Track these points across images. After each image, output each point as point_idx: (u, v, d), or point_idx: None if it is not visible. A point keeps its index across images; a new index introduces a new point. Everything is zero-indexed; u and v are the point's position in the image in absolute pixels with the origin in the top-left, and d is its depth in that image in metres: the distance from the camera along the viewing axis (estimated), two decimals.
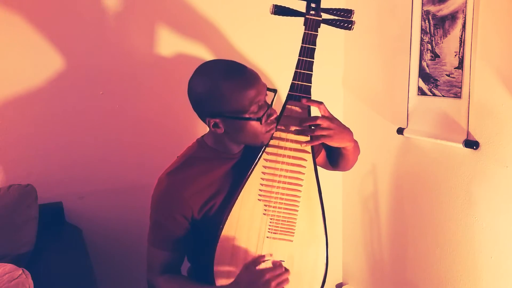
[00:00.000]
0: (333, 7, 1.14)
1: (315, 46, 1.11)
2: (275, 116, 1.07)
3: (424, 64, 1.52)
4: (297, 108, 1.11)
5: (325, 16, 1.14)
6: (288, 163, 1.10)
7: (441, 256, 1.54)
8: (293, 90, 1.10)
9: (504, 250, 1.32)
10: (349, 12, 1.13)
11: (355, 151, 1.24)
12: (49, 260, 1.32)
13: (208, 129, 1.11)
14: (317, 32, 1.12)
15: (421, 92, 1.54)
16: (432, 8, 1.46)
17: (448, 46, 1.41)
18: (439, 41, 1.45)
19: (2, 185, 1.40)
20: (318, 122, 1.06)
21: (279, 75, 1.80)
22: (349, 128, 1.14)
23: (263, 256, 1.08)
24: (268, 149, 1.10)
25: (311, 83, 1.10)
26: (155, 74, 1.66)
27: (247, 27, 1.77)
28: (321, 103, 1.09)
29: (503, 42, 1.25)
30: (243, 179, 1.10)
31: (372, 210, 1.89)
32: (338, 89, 2.00)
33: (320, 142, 1.10)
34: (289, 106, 1.11)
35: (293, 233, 1.11)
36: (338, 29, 1.17)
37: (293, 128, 1.11)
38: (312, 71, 1.10)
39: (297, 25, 1.17)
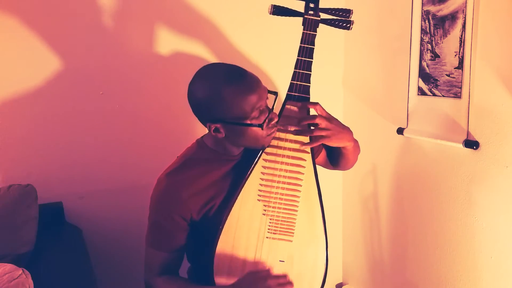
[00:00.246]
0: (332, 7, 1.14)
1: (314, 46, 1.11)
2: (276, 120, 1.07)
3: (424, 64, 1.52)
4: (296, 108, 1.11)
5: (323, 16, 1.14)
6: (287, 163, 1.10)
7: (441, 256, 1.54)
8: (292, 90, 1.10)
9: (504, 250, 1.32)
10: (348, 12, 1.13)
11: (355, 151, 1.23)
12: (49, 260, 1.32)
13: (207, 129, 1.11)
14: (316, 32, 1.12)
15: (421, 92, 1.53)
16: (432, 8, 1.46)
17: (448, 46, 1.41)
18: (439, 41, 1.44)
19: (2, 185, 1.40)
20: (317, 121, 1.06)
21: (278, 75, 1.80)
22: (348, 128, 1.14)
23: (269, 270, 1.09)
24: (267, 149, 1.10)
25: (310, 83, 1.10)
26: (155, 74, 1.66)
27: (246, 27, 1.77)
28: (316, 104, 1.09)
29: (503, 42, 1.25)
30: (242, 179, 1.10)
31: (372, 210, 1.89)
32: (338, 89, 2.00)
33: (319, 143, 1.09)
34: (288, 106, 1.11)
35: (293, 233, 1.11)
36: (338, 29, 1.17)
37: (292, 128, 1.11)
38: (311, 71, 1.10)
39: (296, 25, 1.16)
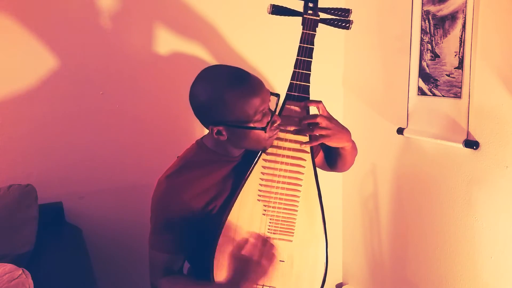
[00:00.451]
0: (331, 7, 1.14)
1: (313, 45, 1.11)
2: (278, 122, 1.07)
3: (424, 64, 1.51)
4: (296, 108, 1.11)
5: (323, 15, 1.13)
6: (287, 163, 1.10)
7: (441, 256, 1.54)
8: (291, 90, 1.10)
9: (504, 250, 1.32)
10: (347, 11, 1.13)
11: (353, 152, 1.23)
12: (49, 260, 1.32)
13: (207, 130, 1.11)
14: (315, 31, 1.11)
15: (421, 92, 1.53)
16: (432, 8, 1.46)
17: (448, 46, 1.41)
18: (439, 41, 1.44)
19: (2, 185, 1.40)
20: (318, 120, 1.06)
21: (278, 75, 1.80)
22: (347, 128, 1.14)
23: (246, 239, 1.08)
24: (267, 150, 1.10)
25: (309, 83, 1.10)
26: (155, 74, 1.66)
27: (245, 27, 1.77)
28: (319, 102, 1.09)
29: (503, 42, 1.24)
30: (243, 179, 1.09)
31: (372, 210, 1.89)
32: (338, 89, 2.00)
33: (319, 142, 1.09)
34: (287, 106, 1.11)
35: (293, 233, 1.11)
36: (338, 29, 1.17)
37: (292, 128, 1.10)
38: (310, 71, 1.10)
39: (295, 24, 1.16)
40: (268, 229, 1.10)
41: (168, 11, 1.65)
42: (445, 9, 1.41)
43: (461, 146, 1.37)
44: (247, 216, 1.09)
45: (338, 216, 2.11)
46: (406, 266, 1.73)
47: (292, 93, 1.10)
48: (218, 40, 1.73)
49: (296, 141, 1.11)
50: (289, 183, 1.10)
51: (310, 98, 1.11)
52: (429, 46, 1.48)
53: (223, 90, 0.99)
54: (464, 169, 1.42)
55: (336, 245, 2.11)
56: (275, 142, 1.10)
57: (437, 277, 1.57)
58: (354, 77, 1.94)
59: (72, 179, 1.59)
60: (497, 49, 1.27)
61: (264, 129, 1.02)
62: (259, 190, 1.10)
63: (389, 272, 1.84)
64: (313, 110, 1.12)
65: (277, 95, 1.08)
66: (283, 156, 1.10)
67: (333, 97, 1.99)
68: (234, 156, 1.12)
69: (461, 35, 1.35)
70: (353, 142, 1.20)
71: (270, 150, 1.10)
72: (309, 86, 1.10)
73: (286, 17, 1.15)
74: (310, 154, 1.11)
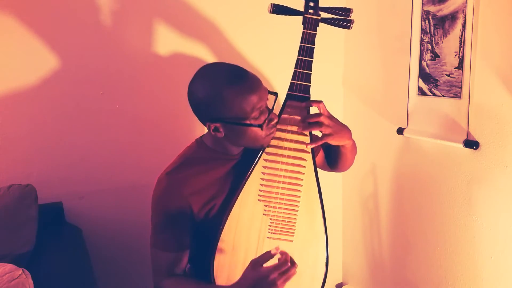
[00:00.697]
0: (332, 6, 1.14)
1: (314, 45, 1.11)
2: (276, 121, 1.07)
3: (424, 64, 1.52)
4: (296, 108, 1.11)
5: (324, 15, 1.13)
6: (288, 163, 1.10)
7: (441, 256, 1.54)
8: (292, 89, 1.10)
9: (504, 250, 1.32)
10: (348, 10, 1.13)
11: (353, 150, 1.24)
12: (49, 260, 1.32)
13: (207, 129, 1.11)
14: (316, 31, 1.12)
15: (421, 92, 1.54)
16: (432, 8, 1.46)
17: (448, 46, 1.41)
18: (439, 41, 1.45)
19: (2, 185, 1.40)
20: (321, 119, 1.06)
21: (277, 75, 1.80)
22: (347, 126, 1.14)
23: (269, 252, 1.07)
24: (267, 149, 1.10)
25: (310, 83, 1.10)
26: (155, 74, 1.66)
27: (246, 27, 1.77)
28: (320, 101, 1.09)
29: (503, 42, 1.25)
30: (243, 179, 1.10)
31: (372, 210, 1.89)
32: (338, 89, 2.00)
33: (323, 141, 1.09)
34: (288, 106, 1.11)
35: (293, 233, 1.11)
36: (338, 28, 1.17)
37: (293, 128, 1.10)
38: (311, 71, 1.10)
39: (296, 24, 1.16)
40: (269, 229, 1.10)
41: (169, 11, 1.65)
42: (445, 9, 1.41)
43: (461, 146, 1.37)
44: (247, 216, 1.09)
45: (338, 216, 2.11)
46: (406, 266, 1.73)
47: (293, 93, 1.10)
48: (219, 40, 1.73)
49: (297, 141, 1.11)
50: (289, 183, 1.10)
51: (311, 98, 1.11)
52: (429, 46, 1.49)
53: (221, 87, 1.00)
54: (464, 169, 1.42)
55: (336, 245, 2.11)
56: (276, 142, 1.10)
57: (437, 277, 1.57)
58: (354, 77, 1.94)
59: (72, 179, 1.59)
60: (497, 49, 1.27)
61: (260, 126, 1.02)
62: (259, 190, 1.10)
63: (389, 272, 1.84)
64: (313, 110, 1.12)
65: (275, 94, 1.08)
66: (284, 156, 1.10)
67: (333, 97, 1.99)
68: (233, 154, 1.13)
69: (461, 35, 1.35)
70: (353, 141, 1.20)
71: (270, 150, 1.10)
72: (310, 85, 1.10)
73: (287, 16, 1.15)
74: (310, 154, 1.11)
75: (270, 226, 1.10)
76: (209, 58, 1.71)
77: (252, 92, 1.01)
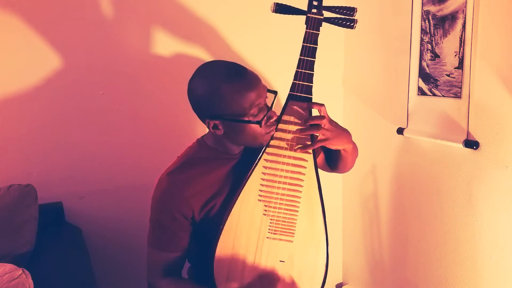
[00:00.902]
0: (336, 5, 1.13)
1: (317, 45, 1.10)
2: (274, 118, 1.07)
3: (424, 64, 1.52)
4: (298, 108, 1.10)
5: (327, 14, 1.13)
6: (288, 164, 1.10)
7: (441, 256, 1.54)
8: (294, 90, 1.10)
9: (504, 250, 1.32)
10: (352, 10, 1.12)
11: (353, 153, 1.24)
12: (49, 260, 1.32)
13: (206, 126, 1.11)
14: (319, 31, 1.11)
15: (421, 92, 1.54)
16: (432, 8, 1.46)
17: (448, 46, 1.41)
18: (439, 41, 1.45)
19: (2, 185, 1.40)
20: (323, 122, 1.06)
21: (278, 75, 1.80)
22: (347, 130, 1.14)
23: (277, 274, 1.08)
24: (268, 150, 1.10)
25: (312, 83, 1.10)
26: (155, 74, 1.66)
27: (247, 26, 1.77)
28: (322, 105, 1.09)
29: (503, 42, 1.25)
30: (243, 179, 1.10)
31: (372, 210, 1.89)
32: (338, 89, 2.00)
33: (321, 144, 1.09)
34: (290, 106, 1.11)
35: (293, 233, 1.11)
36: (339, 28, 1.16)
37: (294, 128, 1.10)
38: (313, 71, 1.10)
39: (297, 23, 1.16)
40: (269, 229, 1.10)
41: (169, 11, 1.65)
42: (445, 9, 1.41)
43: (461, 146, 1.37)
44: (247, 216, 1.09)
45: (338, 216, 2.11)
46: (406, 266, 1.73)
47: (295, 93, 1.10)
48: (220, 40, 1.73)
49: (297, 142, 1.11)
50: (290, 184, 1.10)
51: (312, 99, 1.11)
52: (429, 46, 1.49)
53: (220, 84, 1.00)
54: (464, 169, 1.42)
55: (336, 245, 2.11)
56: (277, 142, 1.10)
57: (437, 277, 1.57)
58: (354, 77, 1.94)
59: (72, 179, 1.59)
60: (497, 49, 1.27)
61: (259, 123, 1.02)
62: (260, 190, 1.10)
63: (389, 272, 1.84)
64: (314, 112, 1.12)
65: (275, 92, 1.08)
66: (285, 156, 1.10)
67: (333, 97, 1.99)
68: (234, 153, 1.13)
69: (461, 35, 1.36)
70: (354, 144, 1.20)
71: (271, 150, 1.10)
72: (311, 86, 1.10)
73: (288, 16, 1.15)
74: (311, 154, 1.11)
75: (270, 226, 1.10)
76: (210, 58, 1.71)
77: (250, 88, 1.01)
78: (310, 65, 1.09)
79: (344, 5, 1.13)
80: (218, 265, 1.09)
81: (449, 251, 1.51)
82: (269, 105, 1.07)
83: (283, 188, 1.10)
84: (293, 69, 1.10)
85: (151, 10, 1.62)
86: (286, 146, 1.10)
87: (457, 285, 1.49)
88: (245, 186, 1.09)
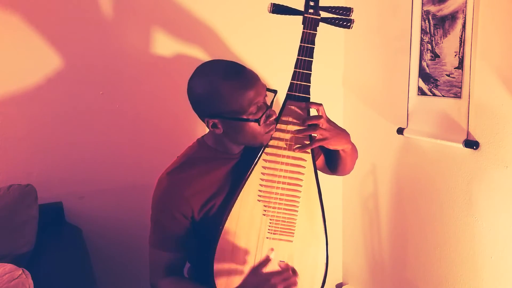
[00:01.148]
0: (332, 5, 1.13)
1: (314, 45, 1.10)
2: (274, 117, 1.07)
3: (424, 64, 1.52)
4: (296, 108, 1.10)
5: (324, 14, 1.13)
6: (287, 164, 1.10)
7: (441, 256, 1.54)
8: (292, 90, 1.10)
9: (504, 250, 1.32)
10: (348, 10, 1.13)
11: (352, 154, 1.24)
12: (49, 260, 1.32)
13: (208, 129, 1.11)
14: (316, 31, 1.11)
15: (421, 92, 1.53)
16: (432, 8, 1.46)
17: (448, 46, 1.41)
18: (439, 41, 1.44)
19: (2, 185, 1.40)
20: (321, 122, 1.06)
21: (276, 75, 1.79)
22: (345, 130, 1.14)
23: (267, 257, 1.08)
24: (267, 150, 1.10)
25: (310, 83, 1.10)
26: (155, 74, 1.66)
27: (246, 27, 1.77)
28: (320, 104, 1.09)
29: (503, 42, 1.25)
30: (243, 179, 1.10)
31: (372, 210, 1.89)
32: (338, 89, 2.00)
33: (319, 144, 1.09)
34: (288, 106, 1.11)
35: (293, 233, 1.11)
36: (338, 28, 1.17)
37: (292, 128, 1.10)
38: (311, 71, 1.10)
39: (296, 23, 1.16)
40: (268, 229, 1.10)
41: (169, 12, 1.65)
42: (445, 9, 1.41)
43: (461, 146, 1.37)
44: (247, 216, 1.09)
45: (338, 216, 2.11)
46: (406, 266, 1.73)
47: (293, 93, 1.10)
48: (219, 40, 1.73)
49: (296, 142, 1.11)
50: (289, 184, 1.10)
51: (311, 99, 1.11)
52: (429, 46, 1.48)
53: (218, 82, 1.00)
54: (464, 169, 1.42)
55: (336, 245, 2.11)
56: (276, 142, 1.10)
57: (437, 277, 1.57)
58: (354, 77, 1.94)
59: (72, 179, 1.59)
60: (497, 49, 1.27)
61: (257, 121, 1.02)
62: (259, 191, 1.10)
63: (389, 272, 1.84)
64: (312, 112, 1.12)
65: (274, 91, 1.08)
66: (284, 156, 1.10)
67: (333, 97, 1.99)
68: (234, 153, 1.13)
69: (461, 35, 1.35)
70: (353, 145, 1.20)
71: (270, 150, 1.10)
72: (309, 86, 1.10)
73: (286, 16, 1.15)
74: (310, 154, 1.11)
75: (269, 226, 1.10)
76: (209, 58, 1.71)
77: (248, 87, 1.01)
78: (308, 65, 1.10)
79: (340, 5, 1.13)
80: (218, 265, 1.09)
81: (449, 251, 1.51)
82: (269, 104, 1.07)
83: (282, 188, 1.10)
84: (291, 69, 1.10)
85: (151, 11, 1.62)
86: (285, 146, 1.10)
87: (457, 285, 1.49)
88: (245, 186, 1.09)
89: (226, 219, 1.08)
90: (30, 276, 1.09)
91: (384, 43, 1.74)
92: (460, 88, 1.38)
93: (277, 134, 1.10)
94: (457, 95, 1.39)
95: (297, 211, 1.10)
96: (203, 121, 1.07)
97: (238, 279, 1.09)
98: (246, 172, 1.09)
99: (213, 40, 1.72)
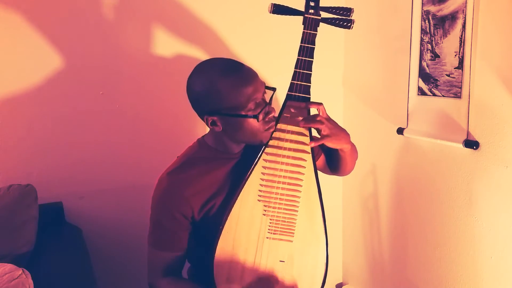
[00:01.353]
0: (333, 6, 1.14)
1: (314, 45, 1.10)
2: (273, 114, 1.07)
3: (424, 64, 1.52)
4: (296, 108, 1.10)
5: (324, 15, 1.13)
6: (287, 164, 1.10)
7: (441, 256, 1.54)
8: (292, 90, 1.10)
9: (504, 250, 1.32)
10: (349, 10, 1.13)
11: (352, 154, 1.24)
12: (49, 260, 1.32)
13: (208, 129, 1.11)
14: (316, 31, 1.11)
15: (421, 92, 1.54)
16: (432, 8, 1.46)
17: (448, 46, 1.41)
18: (439, 41, 1.45)
19: (2, 185, 1.40)
20: (322, 119, 1.06)
21: (276, 75, 1.79)
22: (345, 130, 1.14)
23: (277, 276, 1.08)
24: (267, 150, 1.10)
25: (310, 83, 1.10)
26: (155, 74, 1.66)
27: (246, 27, 1.77)
28: (320, 104, 1.09)
29: (503, 42, 1.25)
30: (243, 179, 1.10)
31: (372, 210, 1.89)
32: (338, 89, 2.00)
33: (321, 142, 1.09)
34: (288, 106, 1.11)
35: (293, 233, 1.11)
36: (338, 28, 1.17)
37: (292, 128, 1.10)
38: (311, 71, 1.10)
39: (296, 24, 1.16)
40: (268, 229, 1.10)
41: (169, 12, 1.65)
42: (445, 9, 1.41)
43: (461, 146, 1.37)
44: (247, 216, 1.09)
45: (338, 216, 2.11)
46: (406, 266, 1.73)
47: (293, 93, 1.10)
48: (219, 40, 1.73)
49: (296, 142, 1.11)
50: (289, 184, 1.10)
51: (311, 99, 1.11)
52: (429, 46, 1.48)
53: (216, 79, 1.01)
54: (464, 169, 1.42)
55: (336, 245, 2.11)
56: (276, 143, 1.10)
57: (437, 277, 1.57)
58: (354, 77, 1.94)
59: (72, 179, 1.59)
60: (497, 49, 1.27)
61: (256, 117, 1.02)
62: (259, 190, 1.10)
63: (389, 272, 1.84)
64: (312, 111, 1.12)
65: (273, 89, 1.09)
66: (284, 156, 1.10)
67: (333, 97, 1.99)
68: (234, 152, 1.13)
69: (461, 35, 1.35)
70: (353, 145, 1.20)
71: (270, 150, 1.10)
72: (310, 86, 1.10)
73: (286, 16, 1.15)
74: (310, 154, 1.11)
75: (269, 226, 1.10)
76: (209, 57, 1.71)
77: (246, 83, 1.01)
78: (308, 65, 1.10)
79: (341, 6, 1.13)
80: (218, 266, 1.09)
81: (449, 251, 1.51)
82: (268, 101, 1.07)
83: (283, 188, 1.10)
84: (291, 69, 1.10)
85: (151, 11, 1.62)
86: (285, 146, 1.10)
87: (457, 285, 1.49)
88: (245, 186, 1.09)
89: (226, 219, 1.08)
90: (30, 276, 1.09)
91: (384, 43, 1.74)
92: (460, 88, 1.38)
93: (277, 134, 1.10)
94: (457, 95, 1.39)
95: (297, 211, 1.10)
96: (203, 119, 1.07)
97: (238, 279, 1.09)
98: (246, 172, 1.09)
99: (213, 40, 1.72)
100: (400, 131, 1.63)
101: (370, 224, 1.92)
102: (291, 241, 1.11)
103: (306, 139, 1.11)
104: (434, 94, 1.48)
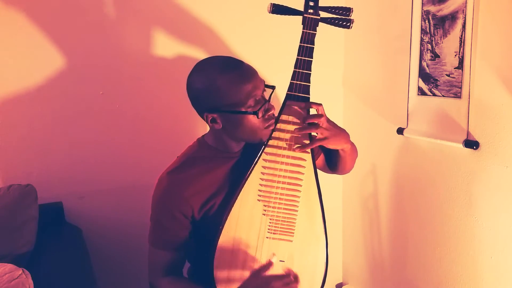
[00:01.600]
0: (332, 5, 1.14)
1: (314, 45, 1.10)
2: (273, 111, 1.07)
3: (424, 64, 1.52)
4: (296, 108, 1.10)
5: (323, 14, 1.13)
6: (287, 163, 1.10)
7: (441, 256, 1.54)
8: (292, 90, 1.10)
9: (504, 250, 1.32)
10: (348, 10, 1.13)
11: (352, 154, 1.24)
12: (49, 260, 1.32)
13: (208, 128, 1.11)
14: (316, 31, 1.11)
15: (421, 92, 1.53)
16: (432, 8, 1.46)
17: (448, 46, 1.41)
18: (439, 41, 1.44)
19: (2, 185, 1.40)
20: (321, 120, 1.06)
21: (277, 75, 1.79)
22: (345, 130, 1.14)
23: (271, 262, 1.08)
24: (267, 149, 1.10)
25: (310, 83, 1.10)
26: (155, 74, 1.66)
27: (246, 27, 1.77)
28: (319, 104, 1.09)
29: (503, 42, 1.25)
30: (243, 178, 1.10)
31: (372, 210, 1.89)
32: (338, 89, 2.00)
33: (319, 143, 1.09)
34: (288, 106, 1.11)
35: (293, 233, 1.11)
36: (338, 28, 1.17)
37: (292, 128, 1.10)
38: (310, 71, 1.10)
39: (296, 23, 1.16)
40: (268, 229, 1.10)
41: (169, 12, 1.65)
42: (445, 9, 1.41)
43: (461, 146, 1.37)
44: (247, 216, 1.09)
45: (338, 216, 2.11)
46: (406, 266, 1.73)
47: (293, 93, 1.10)
48: (219, 40, 1.73)
49: (296, 142, 1.11)
50: (289, 183, 1.10)
51: (310, 98, 1.11)
52: (429, 46, 1.48)
53: (216, 76, 1.01)
54: (464, 169, 1.42)
55: (336, 245, 2.11)
56: (276, 142, 1.10)
57: (437, 277, 1.57)
58: (354, 77, 1.94)
59: (72, 179, 1.59)
60: (497, 49, 1.27)
61: (255, 113, 1.02)
62: (259, 190, 1.10)
63: (389, 272, 1.84)
64: (312, 112, 1.12)
65: (273, 87, 1.09)
66: (283, 156, 1.10)
67: (333, 97, 1.99)
68: (234, 152, 1.13)
69: (461, 35, 1.35)
70: (352, 144, 1.20)
71: (270, 150, 1.10)
72: (309, 86, 1.10)
73: (286, 16, 1.15)
74: (310, 154, 1.11)
75: (269, 226, 1.10)
76: None
77: (246, 79, 1.02)
78: (308, 65, 1.10)
79: (340, 6, 1.13)
80: (218, 265, 1.09)
81: (449, 251, 1.51)
82: (267, 99, 1.07)
83: (282, 188, 1.10)
84: (291, 69, 1.10)
85: (151, 11, 1.62)
86: (285, 146, 1.10)
87: (457, 285, 1.49)
88: (244, 186, 1.09)
89: (226, 218, 1.08)
90: (30, 276, 1.09)
91: (384, 43, 1.74)
92: (460, 88, 1.38)
93: (277, 134, 1.10)
94: (457, 95, 1.39)
95: (297, 211, 1.10)
96: (202, 117, 1.07)
97: (238, 279, 1.09)
98: (246, 172, 1.09)
99: (213, 40, 1.72)
100: (400, 131, 1.63)
101: (370, 224, 1.92)
102: (291, 241, 1.11)
103: (306, 139, 1.11)
104: (434, 94, 1.48)
